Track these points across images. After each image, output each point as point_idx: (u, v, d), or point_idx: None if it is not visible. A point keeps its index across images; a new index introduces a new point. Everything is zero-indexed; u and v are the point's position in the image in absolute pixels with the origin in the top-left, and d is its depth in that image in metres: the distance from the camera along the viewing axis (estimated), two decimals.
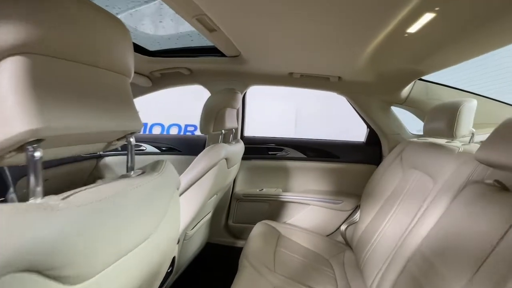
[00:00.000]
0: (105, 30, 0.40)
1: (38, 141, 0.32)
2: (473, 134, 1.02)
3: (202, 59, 1.33)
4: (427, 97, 1.36)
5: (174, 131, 4.90)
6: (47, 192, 0.34)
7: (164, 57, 1.36)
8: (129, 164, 0.52)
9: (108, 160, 1.81)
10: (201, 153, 1.13)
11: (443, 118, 1.04)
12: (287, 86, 1.53)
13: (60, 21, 0.33)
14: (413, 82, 1.32)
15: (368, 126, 1.60)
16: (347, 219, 1.62)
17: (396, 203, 1.16)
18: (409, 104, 1.41)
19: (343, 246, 1.49)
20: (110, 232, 0.38)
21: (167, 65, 1.41)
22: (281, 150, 1.72)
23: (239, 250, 1.28)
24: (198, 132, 1.16)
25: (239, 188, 1.76)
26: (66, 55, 0.34)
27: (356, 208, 1.59)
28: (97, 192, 0.38)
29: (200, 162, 1.09)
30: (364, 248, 1.23)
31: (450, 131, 1.00)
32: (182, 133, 4.95)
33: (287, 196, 1.69)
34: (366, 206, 1.42)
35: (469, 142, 1.03)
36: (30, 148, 0.31)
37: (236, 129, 1.63)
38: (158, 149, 1.82)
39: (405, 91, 1.37)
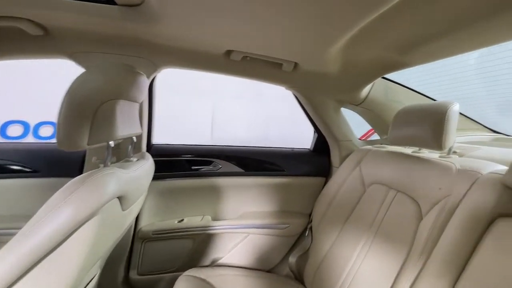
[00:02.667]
0: None
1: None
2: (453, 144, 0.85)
3: (69, 4, 0.70)
4: (385, 98, 1.18)
5: (44, 133, 3.52)
6: None
7: None
8: None
9: None
10: (61, 190, 0.55)
11: (425, 124, 0.83)
12: (220, 72, 1.06)
13: None
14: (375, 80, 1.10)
15: (317, 130, 1.32)
16: (295, 246, 1.31)
17: (366, 230, 0.91)
18: (366, 105, 1.20)
19: (294, 284, 1.15)
20: None
21: None
22: (209, 163, 1.23)
23: None
24: None
25: (147, 223, 1.18)
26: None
27: (305, 231, 1.29)
28: None
29: (58, 211, 0.51)
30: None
31: (436, 141, 0.80)
32: None
33: (218, 227, 1.23)
34: (319, 229, 1.13)
35: (449, 153, 0.86)
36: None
37: (140, 137, 1.05)
38: None
39: (365, 90, 1.14)
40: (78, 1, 0.70)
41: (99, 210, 0.57)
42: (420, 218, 0.77)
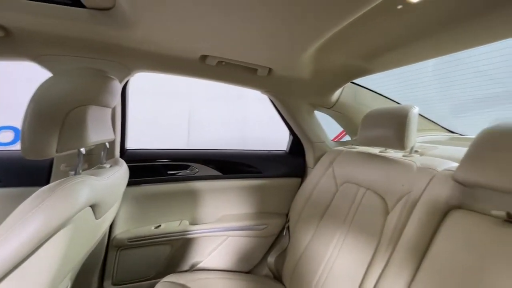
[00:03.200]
0: None
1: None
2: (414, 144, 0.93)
3: (33, 5, 0.67)
4: (355, 101, 1.25)
5: (4, 138, 3.26)
6: None
7: None
8: None
9: None
10: (31, 198, 0.53)
11: (389, 126, 0.90)
12: (196, 76, 1.06)
13: None
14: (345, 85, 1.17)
15: (292, 132, 1.37)
16: (273, 246, 1.34)
17: (339, 226, 0.96)
18: (337, 108, 1.27)
19: (273, 283, 1.18)
20: None
21: None
22: (186, 167, 1.22)
23: None
24: None
25: (122, 230, 1.14)
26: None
27: (283, 230, 1.32)
28: None
29: (29, 220, 0.49)
30: (306, 285, 0.97)
31: (399, 141, 0.87)
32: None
33: (196, 231, 1.22)
34: (296, 228, 1.17)
35: (411, 153, 0.94)
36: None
37: (113, 142, 1.02)
38: None
39: (336, 94, 1.21)
40: (43, 3, 0.68)
41: (71, 220, 0.55)
42: (387, 213, 0.83)
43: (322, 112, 1.33)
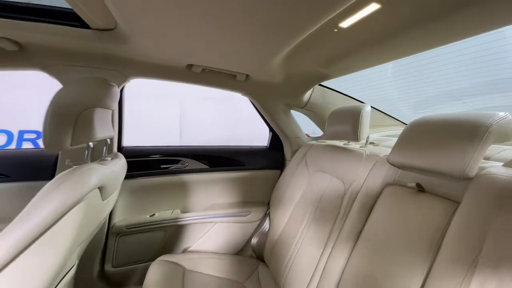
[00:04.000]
0: None
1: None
2: (368, 136, 1.11)
3: (44, 27, 0.82)
4: (323, 101, 1.44)
5: None
6: None
7: None
8: None
9: None
10: (52, 182, 0.67)
11: (347, 122, 1.08)
12: (183, 81, 1.22)
13: None
14: (313, 87, 1.35)
15: (271, 129, 1.54)
16: (256, 230, 1.50)
17: (309, 209, 1.13)
18: (308, 108, 1.45)
19: (255, 262, 1.35)
20: None
21: None
22: (177, 162, 1.38)
23: None
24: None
25: (120, 218, 1.29)
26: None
27: (265, 216, 1.49)
28: None
29: (50, 198, 0.64)
30: (281, 261, 1.13)
31: (354, 135, 1.05)
32: (13, 144, 3.43)
33: (187, 218, 1.38)
34: (275, 214, 1.34)
35: (366, 144, 1.12)
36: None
37: (112, 139, 1.16)
38: None
39: (307, 95, 1.38)
40: (54, 25, 0.82)
41: (84, 198, 0.70)
42: (343, 195, 1.01)
43: (297, 111, 1.51)
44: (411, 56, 0.97)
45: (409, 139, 0.76)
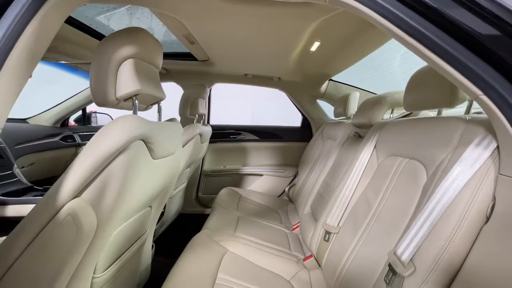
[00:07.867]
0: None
1: (136, 96, 0.70)
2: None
3: (179, 62, 1.75)
4: (336, 92, 2.01)
5: None
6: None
7: None
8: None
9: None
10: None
11: (342, 105, 1.66)
12: (244, 84, 2.03)
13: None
14: (327, 82, 1.95)
15: (302, 114, 2.20)
16: (290, 183, 2.19)
17: (321, 166, 1.74)
18: (326, 97, 2.05)
19: (287, 202, 2.04)
20: None
21: None
22: (239, 134, 2.21)
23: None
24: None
25: (207, 166, 2.19)
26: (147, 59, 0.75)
27: (296, 174, 2.16)
28: None
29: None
30: (304, 198, 1.78)
31: (344, 112, 1.62)
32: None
33: (245, 170, 2.19)
34: (301, 171, 1.99)
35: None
36: (134, 98, 0.71)
37: (205, 116, 2.07)
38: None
39: (323, 88, 2.00)
40: (182, 60, 1.74)
41: (194, 137, 1.54)
42: (333, 148, 1.60)
43: (321, 100, 2.12)
44: None
45: (361, 108, 1.33)
